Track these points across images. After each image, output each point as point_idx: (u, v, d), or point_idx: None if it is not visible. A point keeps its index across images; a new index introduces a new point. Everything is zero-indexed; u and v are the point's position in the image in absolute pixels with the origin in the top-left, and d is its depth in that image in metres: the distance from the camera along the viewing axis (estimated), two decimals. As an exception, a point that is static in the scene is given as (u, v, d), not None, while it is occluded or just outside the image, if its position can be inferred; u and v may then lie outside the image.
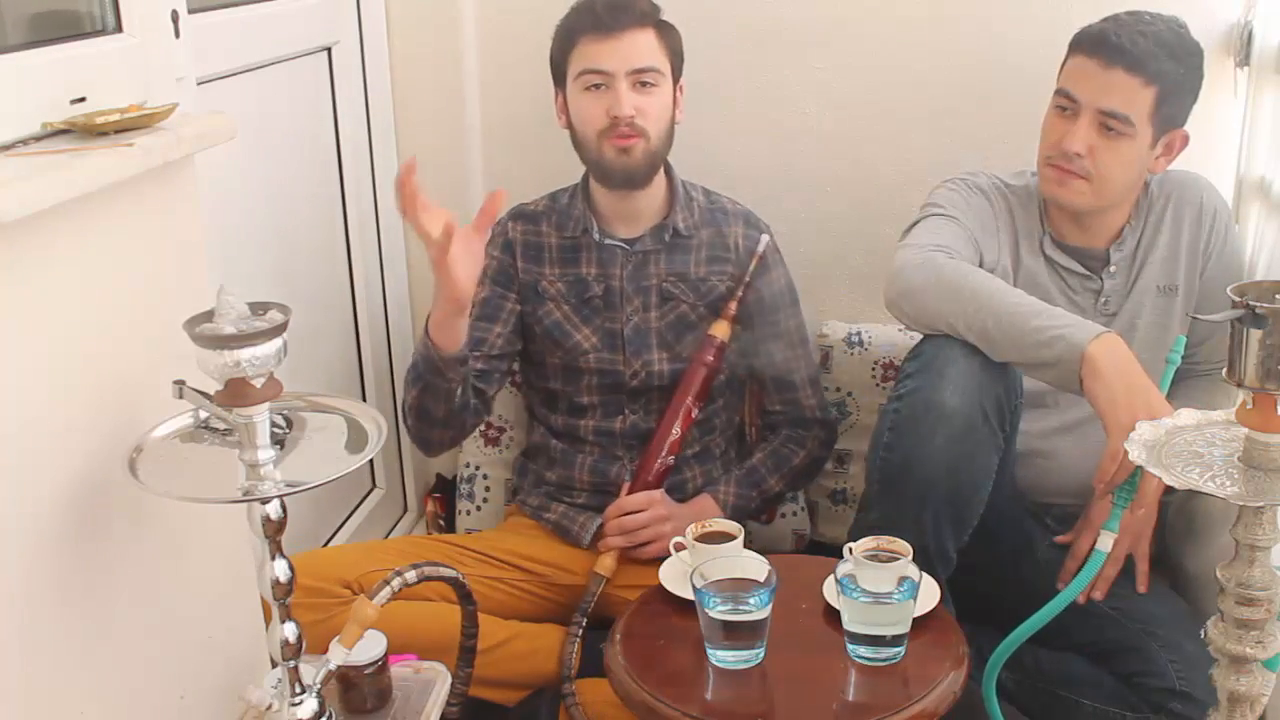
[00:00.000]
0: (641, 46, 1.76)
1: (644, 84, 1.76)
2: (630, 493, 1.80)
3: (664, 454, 1.81)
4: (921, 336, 1.63)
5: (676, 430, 1.81)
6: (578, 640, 1.68)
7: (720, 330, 1.84)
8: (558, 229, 1.88)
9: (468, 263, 1.56)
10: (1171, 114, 1.66)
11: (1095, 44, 1.64)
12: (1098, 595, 1.66)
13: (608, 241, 1.85)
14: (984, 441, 1.52)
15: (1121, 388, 1.43)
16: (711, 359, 1.83)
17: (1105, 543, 1.42)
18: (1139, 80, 1.61)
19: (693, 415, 1.82)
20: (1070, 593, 1.40)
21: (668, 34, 1.80)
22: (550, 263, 1.88)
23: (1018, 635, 1.42)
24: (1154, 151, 1.68)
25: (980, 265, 1.70)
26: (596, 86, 1.76)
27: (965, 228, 1.71)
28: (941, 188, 1.79)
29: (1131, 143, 1.65)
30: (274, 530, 1.06)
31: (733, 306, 1.84)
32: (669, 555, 1.73)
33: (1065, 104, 1.67)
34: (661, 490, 1.80)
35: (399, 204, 1.52)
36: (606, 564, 1.76)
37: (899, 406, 1.55)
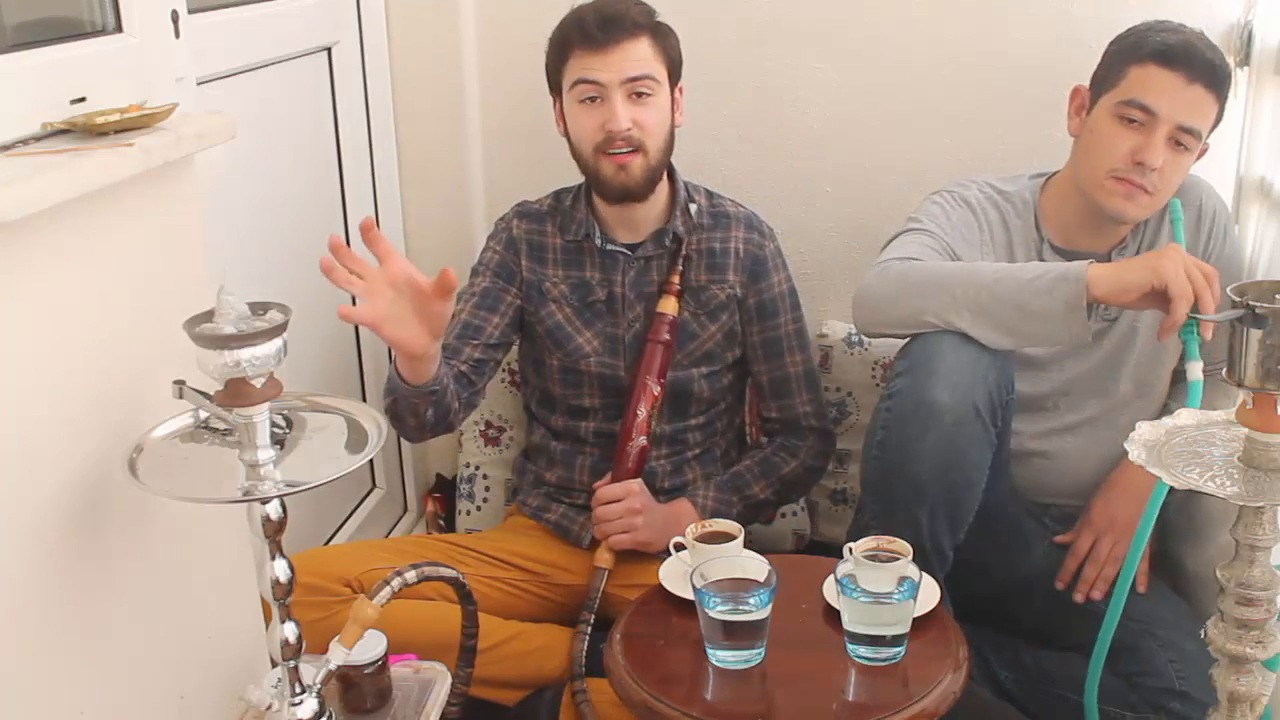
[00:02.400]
0: (636, 56, 1.73)
1: (639, 94, 1.74)
2: (613, 481, 1.79)
3: (634, 437, 1.80)
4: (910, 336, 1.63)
5: (641, 411, 1.80)
6: (586, 638, 1.68)
7: (669, 306, 1.82)
8: (561, 231, 1.88)
9: (422, 322, 1.47)
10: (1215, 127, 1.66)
11: (1179, 57, 1.59)
12: (1096, 595, 1.67)
13: (609, 247, 1.85)
14: (976, 437, 1.52)
15: (1139, 265, 1.47)
16: (667, 337, 1.82)
17: (1195, 372, 1.46)
18: (1213, 96, 1.61)
19: (655, 394, 1.81)
20: (1138, 544, 1.44)
21: (663, 39, 1.77)
22: (554, 264, 1.87)
23: (1107, 624, 1.47)
24: None
25: None
26: (592, 99, 1.74)
27: (940, 240, 1.69)
28: (927, 200, 1.78)
29: (1192, 156, 1.64)
30: (274, 530, 1.06)
31: (676, 281, 1.83)
32: (644, 548, 1.75)
33: (1137, 116, 1.61)
34: (640, 481, 1.79)
35: (332, 278, 1.44)
36: (605, 557, 1.76)
37: (890, 405, 1.55)
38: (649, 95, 1.74)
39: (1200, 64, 1.59)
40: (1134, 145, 1.62)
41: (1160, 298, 1.46)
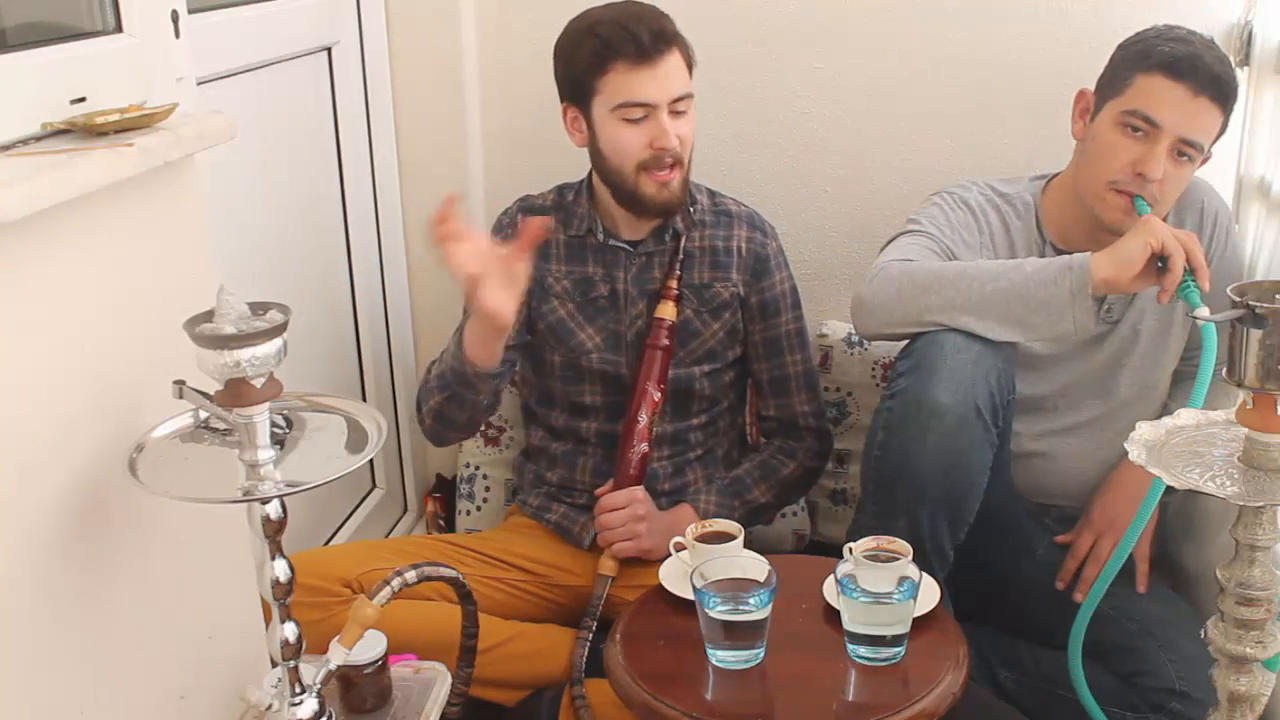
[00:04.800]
0: (677, 72, 1.72)
1: (679, 111, 1.73)
2: (615, 488, 1.79)
3: (635, 443, 1.79)
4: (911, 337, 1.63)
5: (643, 417, 1.79)
6: (587, 644, 1.68)
7: (667, 311, 1.81)
8: (564, 226, 1.87)
9: (508, 288, 1.51)
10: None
11: (1186, 70, 1.57)
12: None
13: (611, 242, 1.85)
14: (977, 437, 1.52)
15: (1127, 238, 1.51)
16: (666, 342, 1.81)
17: (1204, 314, 1.44)
18: (1219, 109, 1.60)
19: (655, 400, 1.80)
20: (1134, 532, 1.44)
21: (688, 50, 1.76)
22: (557, 259, 1.87)
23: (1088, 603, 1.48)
24: None
25: None
26: (638, 118, 1.71)
27: (939, 242, 1.69)
28: (927, 202, 1.78)
29: (1193, 166, 1.64)
30: (274, 530, 1.06)
31: (674, 285, 1.82)
32: (648, 556, 1.74)
33: (1140, 126, 1.60)
34: (642, 489, 1.78)
35: (433, 237, 1.48)
36: (609, 565, 1.76)
37: (891, 405, 1.56)
38: (685, 112, 1.74)
39: (1207, 77, 1.57)
40: (1135, 156, 1.61)
41: (1153, 273, 1.49)
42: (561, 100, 1.79)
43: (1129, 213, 1.63)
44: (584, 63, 1.72)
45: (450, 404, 1.71)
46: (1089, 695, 1.52)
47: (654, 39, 1.69)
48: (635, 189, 1.75)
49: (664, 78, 1.70)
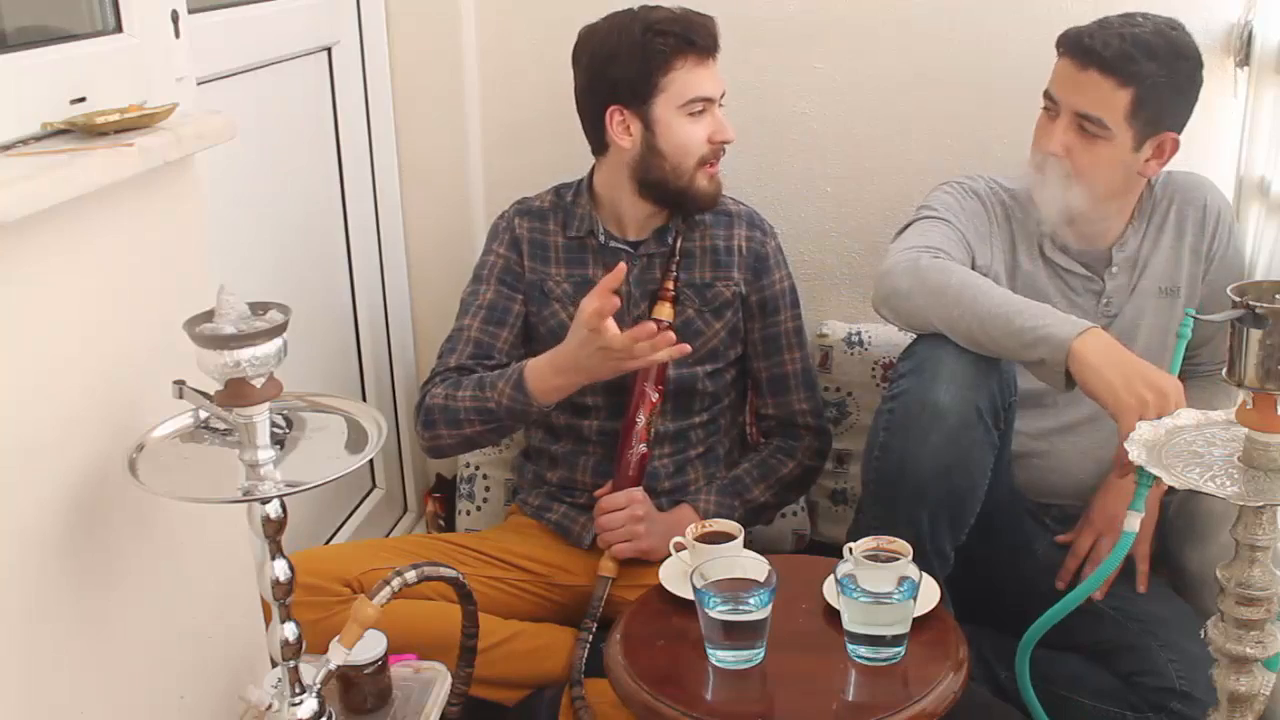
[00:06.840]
0: (719, 68, 1.78)
1: (721, 105, 1.79)
2: (614, 489, 1.79)
3: (634, 444, 1.79)
4: (915, 336, 1.64)
5: (641, 418, 1.79)
6: (587, 645, 1.68)
7: (664, 312, 1.81)
8: (563, 228, 1.87)
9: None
10: (1154, 116, 1.62)
11: (1072, 45, 1.63)
12: (1097, 595, 1.67)
13: (613, 245, 1.84)
14: (978, 439, 1.52)
15: (1116, 373, 1.43)
16: None
17: (1133, 523, 1.38)
18: (1112, 82, 1.59)
19: (653, 401, 1.80)
20: (1097, 578, 1.43)
21: None
22: (557, 263, 1.87)
23: (1039, 626, 1.45)
24: (1141, 154, 1.65)
25: (973, 268, 1.69)
26: (700, 112, 1.76)
27: (957, 230, 1.70)
28: (937, 190, 1.79)
29: (1109, 145, 1.63)
30: (274, 530, 1.06)
31: (670, 286, 1.82)
32: (647, 556, 1.74)
33: (1048, 105, 1.67)
34: (641, 490, 1.78)
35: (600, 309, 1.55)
36: (609, 565, 1.76)
37: (893, 407, 1.55)
38: (723, 105, 1.80)
39: (1087, 50, 1.60)
40: (1047, 132, 1.66)
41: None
42: (608, 104, 1.76)
43: (1036, 183, 1.66)
44: (647, 61, 1.74)
45: (491, 433, 1.79)
46: (1031, 693, 1.52)
47: (712, 35, 1.76)
48: (690, 184, 1.78)
49: (718, 73, 1.77)
